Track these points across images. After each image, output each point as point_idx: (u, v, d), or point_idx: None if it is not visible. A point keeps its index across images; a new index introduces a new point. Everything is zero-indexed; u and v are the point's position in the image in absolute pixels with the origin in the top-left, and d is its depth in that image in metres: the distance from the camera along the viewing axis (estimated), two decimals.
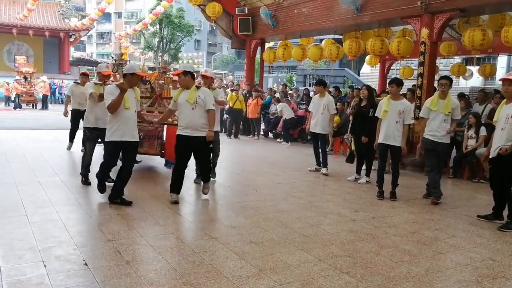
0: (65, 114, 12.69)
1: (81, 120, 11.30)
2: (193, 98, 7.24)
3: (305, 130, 13.13)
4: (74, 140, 12.47)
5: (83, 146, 10.74)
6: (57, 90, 37.75)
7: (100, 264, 4.83)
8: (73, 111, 12.13)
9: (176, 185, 7.50)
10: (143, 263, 4.92)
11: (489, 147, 7.23)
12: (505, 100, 6.99)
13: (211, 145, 7.80)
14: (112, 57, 12.44)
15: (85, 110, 10.94)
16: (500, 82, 7.25)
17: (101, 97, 7.91)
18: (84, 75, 11.79)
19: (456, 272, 5.04)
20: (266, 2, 17.38)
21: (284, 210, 7.37)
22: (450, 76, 10.05)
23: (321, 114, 10.56)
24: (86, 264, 4.80)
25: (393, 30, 16.16)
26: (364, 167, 10.10)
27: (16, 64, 35.11)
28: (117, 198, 7.20)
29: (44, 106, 30.72)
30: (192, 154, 7.59)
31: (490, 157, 7.03)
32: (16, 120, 21.22)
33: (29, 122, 20.79)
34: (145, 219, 6.54)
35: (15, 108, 28.98)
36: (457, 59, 21.81)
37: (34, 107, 30.64)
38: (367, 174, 9.95)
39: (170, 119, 8.90)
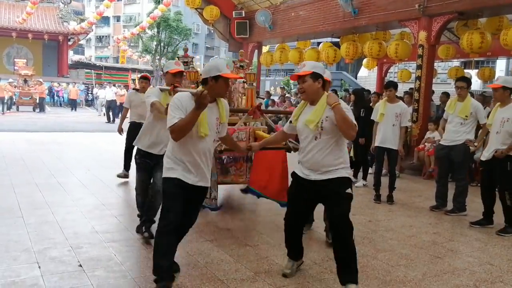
0: (120, 131, 9.58)
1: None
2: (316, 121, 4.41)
3: None
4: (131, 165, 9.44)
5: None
6: (55, 93, 37.76)
7: (95, 265, 4.82)
8: (132, 124, 9.20)
9: (290, 245, 4.91)
10: (137, 265, 4.91)
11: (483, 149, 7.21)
12: (499, 103, 6.97)
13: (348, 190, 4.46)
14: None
15: None
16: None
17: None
18: (145, 79, 9.27)
19: (453, 277, 5.02)
20: (263, 5, 17.39)
21: (280, 213, 7.25)
22: (446, 79, 9.58)
23: None
24: (81, 266, 4.79)
25: (391, 33, 16.16)
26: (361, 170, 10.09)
27: (15, 67, 35.12)
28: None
29: (41, 109, 30.67)
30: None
31: (483, 159, 7.01)
32: (15, 122, 21.21)
33: (28, 124, 20.81)
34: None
35: (8, 109, 28.95)
36: (456, 63, 21.76)
37: (34, 110, 30.61)
38: (364, 178, 9.94)
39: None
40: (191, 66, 7.55)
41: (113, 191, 8.51)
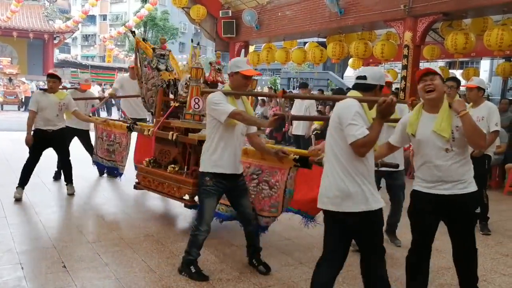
0: (29, 141, 7.86)
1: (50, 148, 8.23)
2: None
3: (288, 133, 13.19)
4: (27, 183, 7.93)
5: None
6: None
7: (79, 266, 4.78)
8: (37, 133, 7.81)
9: None
10: (122, 266, 4.87)
11: None
12: (471, 104, 7.09)
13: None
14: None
15: (56, 131, 7.87)
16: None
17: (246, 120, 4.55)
18: (53, 78, 7.69)
19: (438, 276, 5.06)
20: (249, 4, 17.40)
21: None
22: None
23: None
24: (64, 266, 4.75)
25: (377, 33, 16.22)
26: None
27: (0, 66, 34.87)
28: None
29: (26, 108, 30.41)
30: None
31: None
32: None
33: (12, 124, 20.67)
34: (125, 221, 6.50)
35: None
36: (441, 63, 21.88)
37: (19, 109, 30.39)
38: None
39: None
40: (197, 62, 6.33)
41: (98, 191, 8.48)
